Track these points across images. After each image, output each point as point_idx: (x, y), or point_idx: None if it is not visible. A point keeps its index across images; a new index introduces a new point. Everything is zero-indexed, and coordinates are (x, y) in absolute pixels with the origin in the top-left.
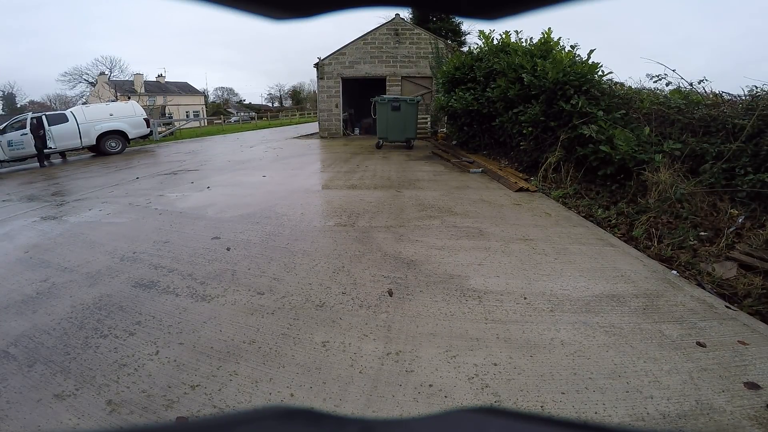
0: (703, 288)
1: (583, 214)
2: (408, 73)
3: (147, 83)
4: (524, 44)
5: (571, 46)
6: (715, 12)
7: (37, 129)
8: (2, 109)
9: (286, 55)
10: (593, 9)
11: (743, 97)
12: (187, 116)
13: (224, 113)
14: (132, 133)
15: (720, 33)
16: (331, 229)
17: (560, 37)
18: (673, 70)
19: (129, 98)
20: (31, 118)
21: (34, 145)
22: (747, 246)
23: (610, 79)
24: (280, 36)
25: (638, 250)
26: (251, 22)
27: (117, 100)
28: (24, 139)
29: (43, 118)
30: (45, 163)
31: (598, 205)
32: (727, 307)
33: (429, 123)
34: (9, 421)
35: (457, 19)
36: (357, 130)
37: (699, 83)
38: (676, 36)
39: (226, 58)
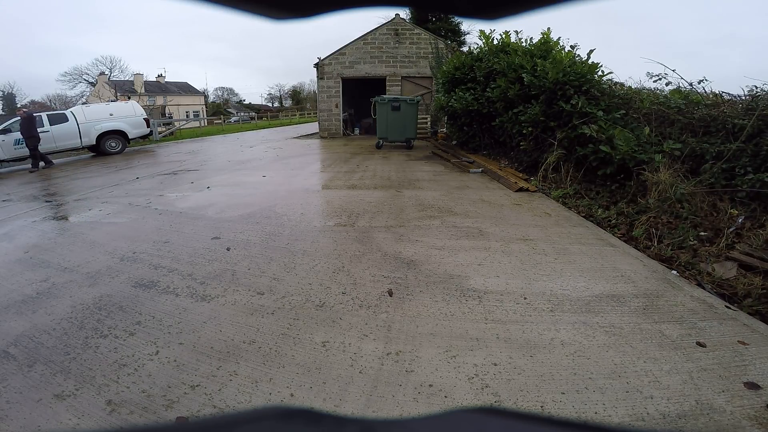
0: (703, 288)
1: (583, 214)
2: (408, 73)
3: (147, 83)
4: (524, 44)
5: (570, 46)
6: (761, 6)
7: (29, 127)
8: (2, 109)
9: (284, 52)
10: (625, 4)
11: (743, 97)
12: (187, 116)
13: (224, 113)
14: (132, 133)
15: (765, 29)
16: (331, 229)
17: (560, 37)
18: (673, 70)
19: (129, 98)
20: (23, 117)
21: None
22: (747, 246)
23: (610, 79)
24: (275, 31)
25: (638, 250)
26: (241, 16)
27: (117, 100)
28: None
29: (43, 116)
30: (39, 165)
31: (598, 205)
32: (727, 307)
33: (429, 123)
34: (9, 421)
35: (457, 19)
36: (357, 130)
37: (699, 83)
38: (720, 32)
39: (219, 53)
